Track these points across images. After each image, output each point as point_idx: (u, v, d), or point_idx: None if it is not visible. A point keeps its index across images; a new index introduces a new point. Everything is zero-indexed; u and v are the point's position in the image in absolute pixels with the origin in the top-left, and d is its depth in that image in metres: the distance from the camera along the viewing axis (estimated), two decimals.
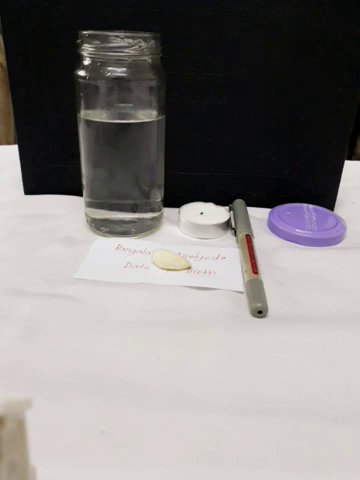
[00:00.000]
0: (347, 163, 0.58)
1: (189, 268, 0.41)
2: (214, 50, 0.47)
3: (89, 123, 0.41)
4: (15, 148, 0.55)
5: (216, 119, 0.51)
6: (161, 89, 0.42)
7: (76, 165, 0.48)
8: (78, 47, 0.40)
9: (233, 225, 0.49)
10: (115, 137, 0.42)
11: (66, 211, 0.51)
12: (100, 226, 0.46)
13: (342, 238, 0.48)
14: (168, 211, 0.52)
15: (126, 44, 0.38)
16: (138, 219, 0.46)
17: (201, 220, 0.47)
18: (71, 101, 0.45)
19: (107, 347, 0.31)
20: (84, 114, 0.42)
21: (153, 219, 0.48)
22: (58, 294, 0.37)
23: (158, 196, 0.47)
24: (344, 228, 0.48)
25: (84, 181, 0.46)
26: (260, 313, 0.35)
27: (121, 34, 0.38)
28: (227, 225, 0.49)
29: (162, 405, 0.27)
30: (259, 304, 0.35)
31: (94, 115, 0.41)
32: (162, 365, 0.30)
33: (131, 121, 0.42)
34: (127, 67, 0.39)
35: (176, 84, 0.49)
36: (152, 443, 0.24)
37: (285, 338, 0.32)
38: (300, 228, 0.47)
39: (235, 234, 0.48)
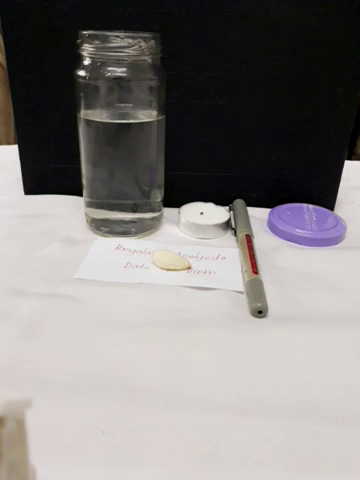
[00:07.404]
0: (347, 163, 0.58)
1: (189, 268, 0.41)
2: (214, 50, 0.47)
3: (89, 123, 0.41)
4: (15, 148, 0.55)
5: (216, 119, 0.51)
6: (161, 89, 0.42)
7: (76, 165, 0.48)
8: (78, 47, 0.40)
9: (233, 225, 0.49)
10: (115, 137, 0.42)
11: (66, 211, 0.51)
12: (100, 226, 0.46)
13: (342, 238, 0.48)
14: (168, 211, 0.52)
15: (126, 44, 0.38)
16: (138, 219, 0.46)
17: (201, 220, 0.47)
18: (71, 101, 0.45)
19: (107, 347, 0.31)
20: (84, 114, 0.42)
21: (153, 219, 0.48)
22: (58, 294, 0.36)
23: (158, 196, 0.47)
24: (344, 228, 0.48)
25: (84, 181, 0.46)
26: (260, 313, 0.35)
27: (121, 34, 0.38)
28: (227, 225, 0.49)
29: (162, 405, 0.27)
30: (259, 304, 0.35)
31: (94, 115, 0.41)
32: (162, 365, 0.30)
33: (131, 121, 0.42)
34: (127, 67, 0.39)
35: (176, 84, 0.49)
36: (152, 443, 0.24)
37: (285, 338, 0.32)
38: (300, 228, 0.47)
39: (235, 234, 0.48)
